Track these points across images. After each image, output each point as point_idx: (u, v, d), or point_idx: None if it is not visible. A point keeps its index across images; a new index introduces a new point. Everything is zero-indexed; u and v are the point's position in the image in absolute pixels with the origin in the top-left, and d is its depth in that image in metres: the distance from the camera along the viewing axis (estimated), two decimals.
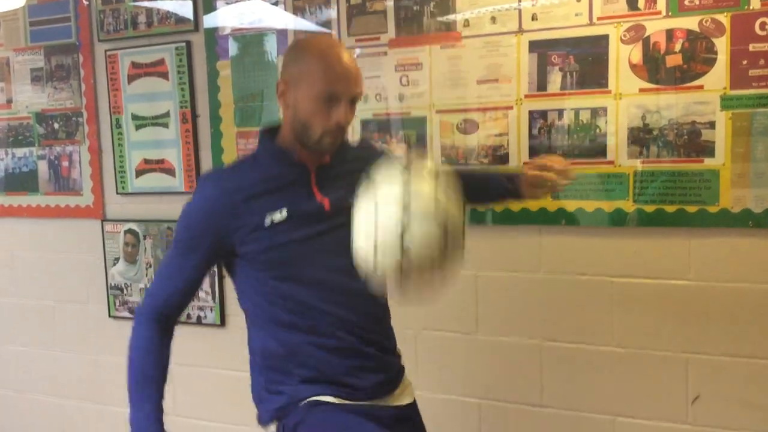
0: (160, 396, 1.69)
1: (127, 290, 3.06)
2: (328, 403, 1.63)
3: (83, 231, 3.14)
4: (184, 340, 2.94)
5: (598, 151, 2.22)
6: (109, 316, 3.13)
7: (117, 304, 3.10)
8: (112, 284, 3.10)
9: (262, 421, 1.74)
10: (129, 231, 3.03)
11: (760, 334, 2.12)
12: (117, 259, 3.07)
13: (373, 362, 1.70)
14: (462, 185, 1.63)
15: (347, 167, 1.70)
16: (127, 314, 3.07)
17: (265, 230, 1.60)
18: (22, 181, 3.23)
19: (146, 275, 3.01)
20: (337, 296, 1.66)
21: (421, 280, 1.49)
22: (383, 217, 1.44)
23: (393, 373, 1.77)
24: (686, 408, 2.22)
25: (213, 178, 1.76)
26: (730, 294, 2.14)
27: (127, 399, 1.70)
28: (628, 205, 2.20)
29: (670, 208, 2.15)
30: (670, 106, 2.12)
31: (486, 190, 1.97)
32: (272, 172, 1.66)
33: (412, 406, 1.82)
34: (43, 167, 3.17)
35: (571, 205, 2.27)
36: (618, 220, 2.22)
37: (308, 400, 1.64)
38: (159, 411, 1.67)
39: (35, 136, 3.18)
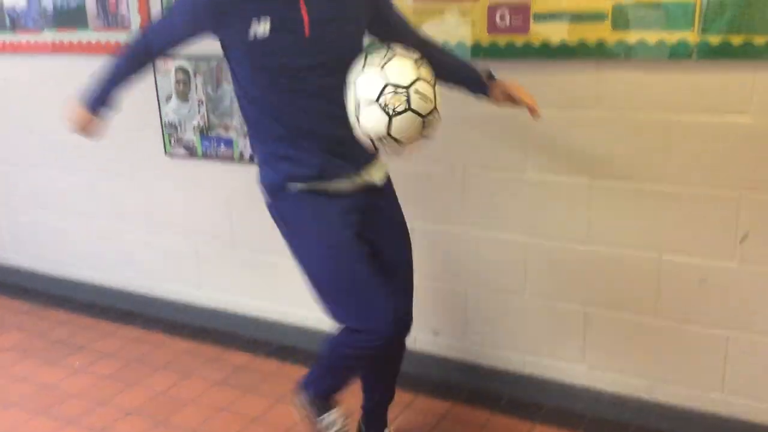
0: (113, 90, 2.09)
1: (180, 127, 3.11)
2: (300, 191, 1.94)
3: None
4: (238, 176, 3.02)
5: None
6: (165, 153, 3.21)
7: (172, 141, 3.16)
8: (166, 121, 3.15)
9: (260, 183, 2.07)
10: (180, 69, 3.03)
11: None
12: (169, 97, 3.10)
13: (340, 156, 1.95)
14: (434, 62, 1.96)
15: None
16: (182, 151, 3.14)
17: (246, 41, 1.79)
18: (71, 17, 3.22)
19: (198, 112, 3.05)
20: (309, 108, 1.87)
21: (401, 142, 1.76)
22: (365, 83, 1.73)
23: (359, 161, 1.99)
24: (734, 246, 2.21)
25: None
26: None
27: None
28: (693, 37, 2.08)
29: (737, 40, 2.03)
30: None
31: (456, 75, 2.11)
32: None
33: (383, 187, 2.07)
34: (90, 3, 3.14)
35: (632, 37, 2.16)
36: (681, 52, 2.11)
37: (287, 185, 1.94)
38: (103, 94, 2.09)
39: None
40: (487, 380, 2.74)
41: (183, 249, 3.36)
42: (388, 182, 2.12)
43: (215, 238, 3.24)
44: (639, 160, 2.28)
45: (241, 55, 1.86)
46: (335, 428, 2.13)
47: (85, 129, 2.14)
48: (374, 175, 2.02)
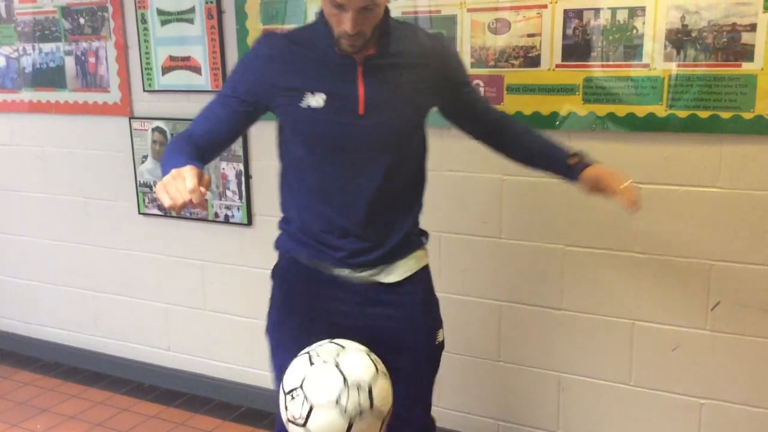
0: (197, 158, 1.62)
1: (155, 188, 3.10)
2: (299, 263, 1.83)
3: (112, 128, 3.16)
4: (212, 237, 3.02)
5: (633, 53, 2.16)
6: (139, 213, 3.19)
7: (146, 201, 3.15)
8: (141, 182, 3.14)
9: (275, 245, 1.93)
10: (157, 129, 3.05)
11: None
12: (145, 157, 3.10)
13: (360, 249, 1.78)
14: (519, 145, 1.90)
15: (393, 60, 1.71)
16: (156, 211, 3.13)
17: (298, 109, 1.68)
18: (49, 77, 3.24)
19: None
20: (341, 196, 1.74)
21: None
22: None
23: (380, 252, 1.79)
24: (706, 314, 2.24)
25: (275, 38, 1.78)
26: (759, 202, 2.12)
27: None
28: (661, 110, 2.15)
29: (704, 114, 2.11)
30: (711, 6, 2.04)
31: (541, 160, 1.92)
32: (326, 54, 1.68)
33: (400, 284, 1.82)
34: (70, 63, 3.17)
35: (601, 110, 2.23)
36: (650, 125, 2.18)
37: (288, 254, 1.85)
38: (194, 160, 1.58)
39: (61, 30, 3.15)
40: None
41: (153, 310, 3.31)
42: (416, 279, 1.85)
43: (186, 299, 3.20)
44: (611, 228, 2.32)
45: (291, 123, 1.73)
46: None
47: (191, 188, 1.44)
48: (389, 277, 1.81)
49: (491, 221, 2.49)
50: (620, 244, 2.32)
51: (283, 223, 1.89)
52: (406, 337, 1.83)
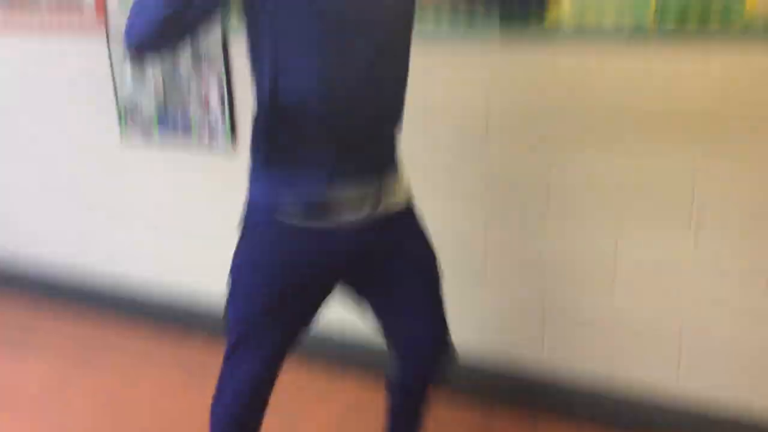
0: None
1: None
2: (277, 224, 1.55)
3: None
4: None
5: None
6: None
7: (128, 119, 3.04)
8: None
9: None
10: None
11: None
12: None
13: (353, 175, 1.56)
14: None
15: None
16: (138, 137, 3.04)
17: None
18: None
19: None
20: (350, 95, 1.49)
21: None
22: None
23: (373, 188, 1.59)
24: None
25: None
26: None
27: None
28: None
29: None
30: None
31: None
32: None
33: (394, 216, 1.65)
34: None
35: None
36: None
37: (279, 210, 1.55)
38: None
39: None
40: None
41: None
42: (409, 206, 1.71)
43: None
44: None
45: (274, 7, 1.42)
46: None
47: None
48: (394, 199, 1.64)
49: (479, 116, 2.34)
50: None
51: (260, 170, 1.59)
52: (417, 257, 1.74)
